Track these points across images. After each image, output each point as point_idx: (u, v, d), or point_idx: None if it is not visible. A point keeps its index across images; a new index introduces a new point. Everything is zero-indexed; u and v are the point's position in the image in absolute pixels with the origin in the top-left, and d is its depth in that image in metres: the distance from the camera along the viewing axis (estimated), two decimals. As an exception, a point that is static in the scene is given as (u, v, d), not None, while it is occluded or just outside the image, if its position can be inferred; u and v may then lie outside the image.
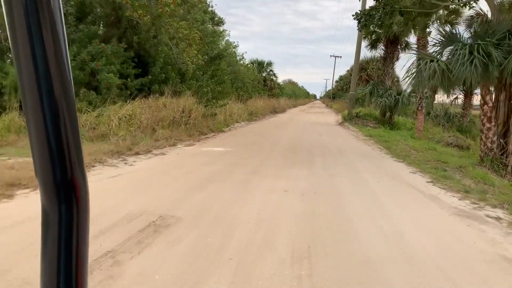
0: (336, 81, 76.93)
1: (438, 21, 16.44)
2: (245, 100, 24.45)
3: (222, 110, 17.23)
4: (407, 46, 20.82)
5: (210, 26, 18.85)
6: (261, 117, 25.26)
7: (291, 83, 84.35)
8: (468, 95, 21.25)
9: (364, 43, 21.07)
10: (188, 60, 12.43)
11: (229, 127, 15.99)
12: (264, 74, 38.51)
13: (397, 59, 20.79)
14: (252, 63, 37.69)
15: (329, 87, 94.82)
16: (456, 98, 22.66)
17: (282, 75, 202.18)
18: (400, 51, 20.76)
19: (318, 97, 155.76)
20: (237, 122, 18.99)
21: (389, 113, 20.32)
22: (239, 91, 23.25)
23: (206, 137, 12.20)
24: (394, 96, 19.25)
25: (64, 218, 0.50)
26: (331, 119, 27.11)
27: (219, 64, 16.83)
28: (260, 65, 38.43)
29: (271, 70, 39.44)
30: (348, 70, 62.94)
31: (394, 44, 20.34)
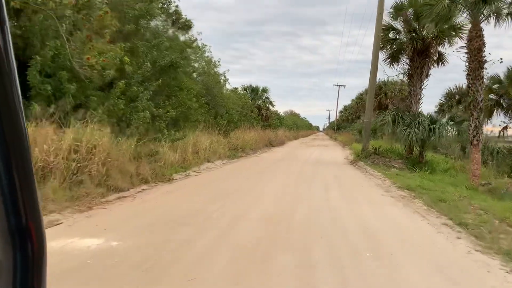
0: (340, 111, 72.22)
1: (496, 14, 11.19)
2: (229, 131, 19.04)
3: (182, 146, 11.77)
4: (440, 58, 15.48)
5: (168, 27, 13.65)
6: (250, 153, 19.82)
7: (293, 114, 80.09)
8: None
9: (381, 56, 15.81)
10: (94, 62, 7.04)
11: (188, 172, 10.44)
12: (258, 102, 33.33)
13: (427, 75, 15.42)
14: (245, 89, 32.66)
15: (333, 119, 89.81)
16: (506, 127, 17.12)
17: (284, 107, 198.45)
18: (430, 65, 15.40)
19: (321, 128, 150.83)
20: (208, 161, 13.49)
21: (418, 149, 14.78)
22: (220, 120, 17.85)
23: (120, 197, 6.65)
24: (428, 125, 13.77)
25: (19, 265, 0.47)
26: (338, 156, 21.53)
27: (175, 79, 11.50)
28: (254, 92, 33.30)
29: (267, 97, 34.25)
30: (353, 99, 58.00)
31: (423, 56, 15.03)
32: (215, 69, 20.20)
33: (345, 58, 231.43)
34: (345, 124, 62.25)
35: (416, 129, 13.75)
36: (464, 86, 24.86)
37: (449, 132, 14.11)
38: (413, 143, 13.82)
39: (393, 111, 14.74)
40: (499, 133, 17.19)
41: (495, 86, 16.45)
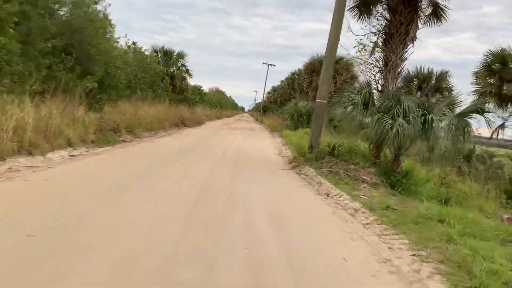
0: (268, 93, 67.12)
1: None
2: (104, 100, 12.22)
3: None
4: (436, 11, 10.14)
5: None
6: (145, 136, 13.21)
7: (218, 92, 73.83)
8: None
9: (348, 3, 10.07)
10: None
11: None
12: (172, 69, 26.30)
13: (413, 39, 10.06)
14: (155, 51, 25.46)
15: (259, 100, 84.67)
16: (502, 126, 12.56)
17: (211, 84, 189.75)
18: (419, 22, 10.04)
19: (246, 109, 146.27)
20: (31, 153, 6.79)
21: (393, 151, 9.44)
22: (87, 81, 10.93)
23: None
24: (422, 115, 8.40)
25: None
26: (268, 147, 15.77)
27: None
28: (168, 56, 26.20)
29: (183, 65, 27.28)
30: (282, 80, 52.87)
31: (411, 7, 9.64)
32: (94, 6, 13.11)
33: (274, 43, 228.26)
34: (272, 106, 57.41)
35: (402, 120, 8.32)
36: (425, 70, 20.65)
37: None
38: (398, 141, 8.32)
39: (364, 88, 9.12)
40: (492, 134, 12.59)
41: (495, 65, 11.77)
